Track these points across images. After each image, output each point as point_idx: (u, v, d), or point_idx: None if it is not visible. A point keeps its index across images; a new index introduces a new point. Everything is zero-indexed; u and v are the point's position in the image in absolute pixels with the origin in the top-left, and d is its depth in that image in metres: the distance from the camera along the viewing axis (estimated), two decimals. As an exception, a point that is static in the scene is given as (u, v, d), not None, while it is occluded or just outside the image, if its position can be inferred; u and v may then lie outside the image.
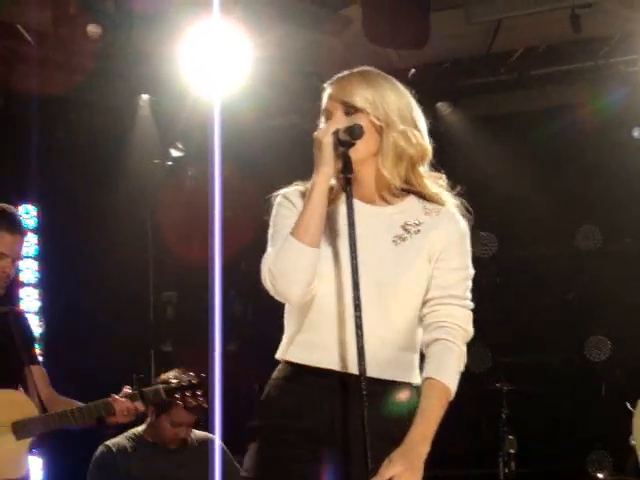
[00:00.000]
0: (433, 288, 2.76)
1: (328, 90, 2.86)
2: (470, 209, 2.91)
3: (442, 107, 7.87)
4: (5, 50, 6.64)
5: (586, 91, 7.45)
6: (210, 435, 5.12)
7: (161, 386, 4.48)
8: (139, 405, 4.32)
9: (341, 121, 2.75)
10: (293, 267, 2.64)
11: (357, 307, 2.58)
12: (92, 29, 5.86)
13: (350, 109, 2.80)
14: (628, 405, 5.34)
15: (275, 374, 2.80)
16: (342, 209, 2.73)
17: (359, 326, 2.56)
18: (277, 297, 2.71)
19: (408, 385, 2.78)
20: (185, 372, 4.63)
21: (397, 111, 2.84)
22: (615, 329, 7.45)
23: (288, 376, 2.76)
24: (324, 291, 2.72)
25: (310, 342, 2.73)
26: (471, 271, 2.83)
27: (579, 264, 7.79)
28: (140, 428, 5.13)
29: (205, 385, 4.54)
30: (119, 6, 5.92)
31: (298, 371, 2.74)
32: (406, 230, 2.78)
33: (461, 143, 7.87)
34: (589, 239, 7.72)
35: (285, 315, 2.83)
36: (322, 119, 2.84)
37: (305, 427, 2.71)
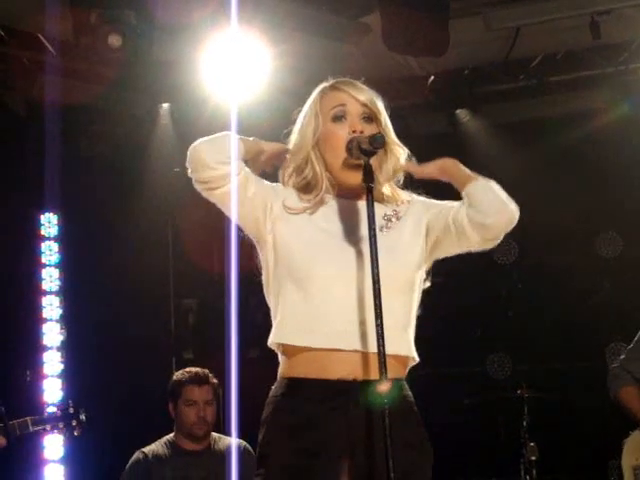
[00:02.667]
0: (447, 213, 2.88)
1: (341, 88, 2.87)
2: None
3: (461, 114, 7.88)
4: (27, 60, 6.70)
5: (606, 97, 7.44)
6: (239, 440, 5.15)
7: (29, 418, 4.54)
8: (1, 440, 4.37)
9: (363, 127, 2.77)
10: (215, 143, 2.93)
11: (377, 315, 2.57)
12: (113, 39, 5.90)
13: (368, 114, 2.82)
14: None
15: (279, 389, 2.79)
16: (334, 207, 2.82)
17: (380, 335, 2.56)
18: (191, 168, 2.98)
19: (405, 360, 2.81)
20: (63, 404, 4.71)
21: (391, 127, 2.90)
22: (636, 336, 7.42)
23: (297, 391, 2.74)
24: (330, 268, 2.72)
25: (311, 323, 2.72)
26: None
27: (599, 270, 7.77)
28: (172, 434, 5.18)
29: (79, 416, 4.62)
30: (140, 16, 5.96)
31: (307, 384, 2.72)
32: (388, 220, 2.83)
33: (480, 150, 7.87)
34: (610, 245, 7.70)
35: (275, 299, 2.84)
36: (330, 113, 2.84)
37: (321, 438, 2.69)
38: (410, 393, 2.82)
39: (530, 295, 7.99)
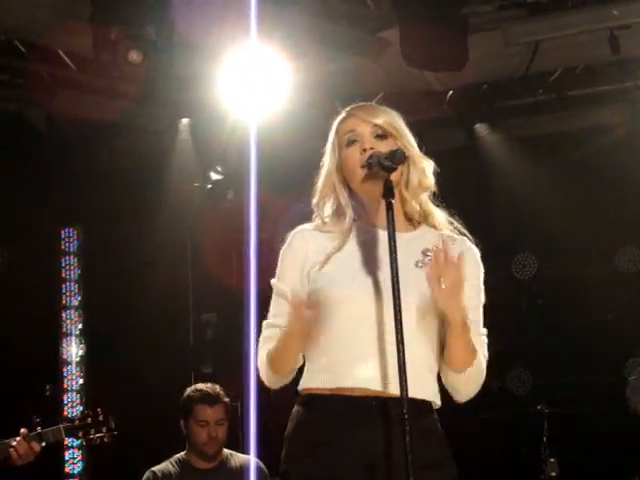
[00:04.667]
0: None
1: (352, 113, 2.88)
2: (473, 241, 2.91)
3: (480, 128, 7.87)
4: (47, 75, 6.74)
5: (625, 112, 7.42)
6: (252, 458, 5.13)
7: (62, 425, 4.56)
8: (35, 445, 4.41)
9: (375, 144, 2.78)
10: (271, 381, 2.86)
11: (398, 331, 2.56)
12: (133, 55, 5.92)
13: (381, 132, 2.82)
14: None
15: (300, 408, 2.80)
16: (367, 235, 2.81)
17: (401, 350, 2.55)
18: None
19: (431, 405, 2.80)
20: (92, 410, 4.70)
21: (414, 142, 2.87)
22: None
23: (317, 409, 2.75)
24: (355, 309, 2.72)
25: (337, 364, 2.72)
26: (483, 298, 2.87)
27: (619, 285, 7.74)
28: (183, 452, 5.17)
29: (109, 422, 4.64)
30: (160, 32, 5.98)
31: (326, 403, 2.73)
32: (426, 255, 2.78)
33: (500, 164, 7.86)
34: (629, 260, 7.68)
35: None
36: (344, 139, 2.84)
37: (341, 455, 2.69)
38: (434, 414, 2.81)
39: (549, 310, 7.96)
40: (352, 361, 2.71)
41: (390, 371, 2.67)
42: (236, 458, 5.18)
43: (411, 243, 2.81)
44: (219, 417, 5.06)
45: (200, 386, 5.17)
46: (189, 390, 5.17)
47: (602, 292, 7.70)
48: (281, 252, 2.90)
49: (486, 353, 2.84)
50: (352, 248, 2.82)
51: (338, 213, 2.89)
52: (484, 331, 2.85)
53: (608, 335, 7.56)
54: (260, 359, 2.84)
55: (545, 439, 6.35)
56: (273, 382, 2.84)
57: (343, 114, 2.92)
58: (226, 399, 5.13)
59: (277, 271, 2.89)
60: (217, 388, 5.15)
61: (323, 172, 2.92)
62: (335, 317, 2.72)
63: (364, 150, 2.78)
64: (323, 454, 2.69)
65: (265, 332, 2.86)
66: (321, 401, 2.73)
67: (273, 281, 2.87)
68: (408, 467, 2.47)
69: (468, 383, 2.79)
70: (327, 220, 2.90)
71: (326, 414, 2.71)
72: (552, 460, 6.28)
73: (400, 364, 2.54)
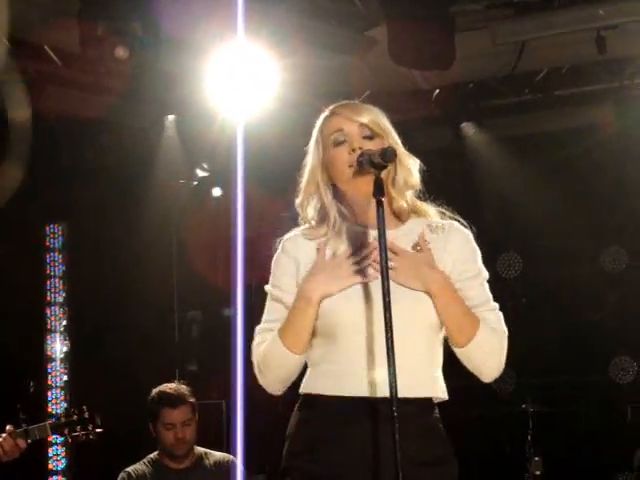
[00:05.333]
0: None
1: (337, 112, 2.86)
2: (465, 224, 2.91)
3: (466, 128, 7.89)
4: (33, 71, 6.71)
5: (611, 111, 7.44)
6: (228, 456, 5.12)
7: (48, 422, 4.56)
8: (21, 442, 4.41)
9: (364, 144, 2.77)
10: (278, 369, 2.77)
11: (388, 329, 2.56)
12: (120, 51, 5.91)
13: (369, 133, 2.81)
14: None
15: (302, 408, 2.78)
16: (356, 235, 2.79)
17: (390, 348, 2.54)
18: None
19: (432, 401, 2.79)
20: (77, 407, 4.69)
21: (399, 141, 2.87)
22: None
23: (318, 409, 2.74)
24: (351, 317, 2.71)
25: (338, 372, 2.71)
26: (486, 274, 2.87)
27: (605, 285, 7.76)
28: (156, 453, 5.15)
29: (95, 420, 4.63)
30: (146, 28, 5.97)
31: (326, 403, 2.72)
32: (417, 251, 2.79)
33: (485, 163, 7.88)
34: (615, 260, 7.70)
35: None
36: (330, 139, 2.82)
37: (343, 456, 2.68)
38: (435, 412, 2.81)
39: (534, 309, 7.98)
40: (352, 369, 2.70)
41: (379, 376, 2.65)
42: (211, 456, 5.15)
43: (400, 239, 2.80)
44: (185, 418, 5.01)
45: (164, 388, 5.08)
46: (154, 392, 5.08)
47: (587, 292, 7.73)
48: (274, 259, 2.88)
49: (504, 327, 2.83)
50: (343, 250, 2.79)
51: (322, 213, 2.87)
52: (495, 305, 2.85)
53: (593, 334, 7.58)
54: (258, 356, 2.79)
55: (530, 438, 6.37)
56: (279, 370, 2.76)
57: (327, 112, 2.90)
58: (191, 399, 5.04)
59: (271, 278, 2.86)
60: (182, 389, 5.07)
61: (307, 171, 2.89)
62: (334, 324, 2.71)
63: (353, 150, 2.77)
64: (323, 452, 2.69)
65: (260, 337, 2.82)
66: (322, 401, 2.73)
67: (268, 287, 2.85)
68: (398, 466, 2.47)
69: (478, 356, 2.76)
70: (312, 222, 2.88)
71: (327, 413, 2.71)
72: (537, 459, 6.30)
73: (390, 364, 2.53)
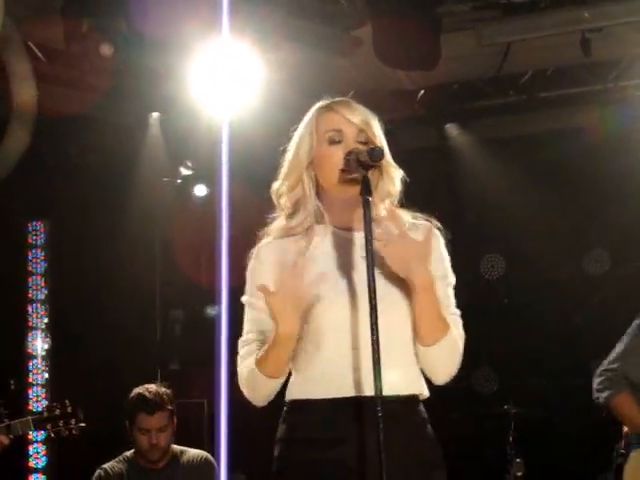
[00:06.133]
0: None
1: (335, 109, 2.83)
2: (441, 227, 2.89)
3: (451, 128, 7.90)
4: (17, 67, 6.67)
5: (595, 114, 7.46)
6: (203, 453, 5.10)
7: (30, 417, 4.54)
8: (3, 438, 4.41)
9: (357, 148, 2.75)
10: (262, 392, 2.76)
11: (374, 330, 2.54)
12: (104, 48, 5.89)
13: (364, 139, 2.79)
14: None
15: (291, 413, 2.76)
16: (335, 237, 2.78)
17: (376, 350, 2.53)
18: None
19: (418, 397, 2.79)
20: (60, 402, 4.66)
21: (387, 149, 2.84)
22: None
23: (309, 412, 2.71)
24: (337, 319, 2.69)
25: (326, 374, 2.69)
26: (452, 279, 2.86)
27: (588, 287, 7.78)
28: (132, 450, 5.12)
29: (77, 414, 4.61)
30: (131, 26, 5.94)
31: (317, 406, 2.70)
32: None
33: (469, 165, 7.89)
34: (598, 263, 7.72)
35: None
36: (327, 136, 2.79)
37: (335, 457, 2.67)
38: (423, 411, 2.80)
39: (517, 310, 8.00)
40: (340, 370, 2.68)
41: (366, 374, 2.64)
42: (187, 454, 5.12)
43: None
44: (161, 425, 4.93)
45: (144, 391, 4.98)
46: (133, 393, 4.99)
47: (570, 294, 7.75)
48: (250, 269, 2.84)
49: (462, 332, 2.84)
50: (322, 252, 2.77)
51: (296, 207, 2.84)
52: (457, 311, 2.85)
53: (576, 336, 7.60)
54: (242, 375, 2.77)
55: (511, 439, 6.37)
56: (263, 392, 2.75)
57: (322, 105, 2.86)
58: (169, 406, 4.96)
59: (248, 288, 2.82)
60: (161, 393, 4.98)
61: (291, 159, 2.85)
62: (319, 328, 2.70)
63: (349, 153, 2.76)
64: (316, 453, 2.67)
65: (243, 350, 2.79)
66: (312, 405, 2.70)
67: (245, 298, 2.83)
68: (382, 468, 2.46)
69: (439, 358, 2.74)
70: (287, 214, 2.83)
71: (318, 413, 2.69)
72: (518, 460, 6.30)
73: (375, 367, 2.52)
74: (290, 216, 2.85)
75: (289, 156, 2.86)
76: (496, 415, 6.66)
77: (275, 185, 2.88)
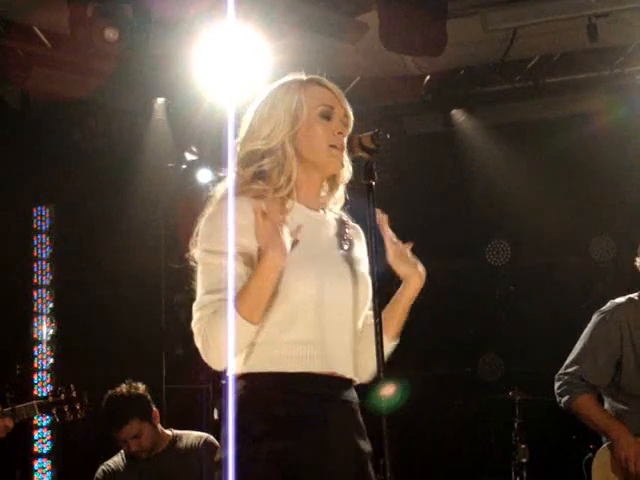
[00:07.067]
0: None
1: (328, 87, 2.80)
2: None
3: (457, 114, 7.87)
4: (22, 52, 6.67)
5: (602, 100, 7.44)
6: (203, 435, 5.10)
7: (35, 401, 4.53)
8: (8, 422, 4.38)
9: (342, 130, 2.74)
10: (230, 341, 2.54)
11: (376, 314, 2.56)
12: (109, 33, 5.87)
13: (346, 122, 2.79)
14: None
15: (267, 385, 2.62)
16: (301, 214, 2.73)
17: (379, 333, 2.53)
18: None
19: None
20: (65, 386, 4.65)
21: None
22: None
23: (288, 388, 2.62)
24: (310, 291, 2.64)
25: (297, 349, 2.63)
26: None
27: (593, 273, 7.76)
28: None
29: (82, 399, 4.60)
30: (136, 10, 5.93)
31: (293, 380, 2.62)
32: (343, 238, 2.80)
33: (475, 151, 7.87)
34: (603, 249, 7.70)
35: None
36: (318, 109, 2.74)
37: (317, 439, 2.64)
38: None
39: (522, 297, 7.98)
40: (312, 345, 2.64)
41: (335, 352, 2.67)
42: (188, 438, 5.11)
43: (331, 224, 2.81)
44: (134, 433, 4.89)
45: (110, 404, 4.91)
46: (104, 403, 4.94)
47: (576, 281, 7.73)
48: (214, 219, 2.69)
49: None
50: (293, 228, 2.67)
51: (262, 171, 2.73)
52: None
53: (581, 323, 7.58)
54: (206, 331, 2.57)
55: (516, 425, 6.36)
56: (226, 341, 2.52)
57: (312, 79, 2.82)
58: (138, 411, 4.88)
59: (211, 241, 2.67)
60: (128, 400, 4.91)
61: (272, 121, 2.73)
62: (294, 299, 2.63)
63: (339, 133, 2.74)
64: (301, 431, 2.60)
65: (207, 309, 2.59)
66: (294, 380, 2.63)
67: (205, 253, 2.69)
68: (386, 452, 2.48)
69: (388, 354, 2.74)
70: (255, 174, 2.72)
71: (293, 391, 2.62)
72: (523, 446, 6.29)
73: (378, 352, 2.52)
74: (259, 177, 2.73)
75: (270, 116, 2.75)
76: (501, 401, 6.66)
77: (250, 139, 2.75)
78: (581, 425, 4.97)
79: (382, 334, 2.53)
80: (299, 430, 2.59)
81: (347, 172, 2.82)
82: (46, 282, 7.40)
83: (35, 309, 7.37)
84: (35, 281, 7.39)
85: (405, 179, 7.25)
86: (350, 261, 2.73)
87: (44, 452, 7.17)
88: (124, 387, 5.00)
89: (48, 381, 7.26)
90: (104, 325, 7.19)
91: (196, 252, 2.76)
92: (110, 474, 5.04)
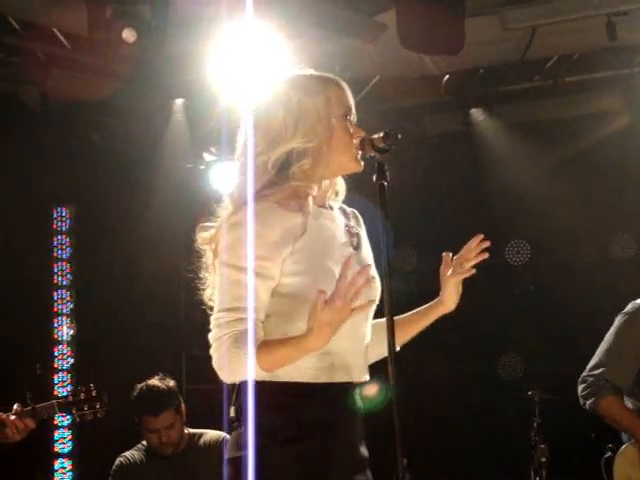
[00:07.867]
0: None
1: (345, 88, 2.80)
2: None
3: (476, 113, 7.86)
4: (41, 54, 6.69)
5: (621, 99, 7.41)
6: (221, 434, 5.10)
7: (55, 401, 4.55)
8: (29, 422, 4.39)
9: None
10: (241, 376, 2.62)
11: (390, 311, 2.56)
12: (127, 34, 5.88)
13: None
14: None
15: (292, 392, 2.63)
16: (318, 214, 2.72)
17: (391, 330, 2.53)
18: None
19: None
20: (85, 385, 4.67)
21: None
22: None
23: (312, 395, 2.65)
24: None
25: (324, 359, 2.63)
26: None
27: (613, 273, 7.73)
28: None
29: (102, 398, 4.61)
30: (154, 11, 5.94)
31: (316, 389, 2.64)
32: (350, 233, 2.80)
33: (494, 150, 7.85)
34: (623, 248, 7.68)
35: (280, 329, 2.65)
36: (344, 111, 2.73)
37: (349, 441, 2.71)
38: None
39: (542, 296, 7.96)
40: (339, 355, 2.67)
41: (355, 360, 2.72)
42: (205, 437, 5.12)
43: (340, 221, 2.81)
44: (168, 423, 4.95)
45: (146, 392, 4.98)
46: (136, 393, 5.00)
47: (596, 279, 7.70)
48: (250, 232, 2.58)
49: None
50: (317, 230, 2.68)
51: (281, 172, 2.68)
52: None
53: (601, 322, 7.54)
54: (223, 360, 2.62)
55: (536, 425, 6.35)
56: (243, 375, 2.59)
57: (332, 80, 2.80)
58: (174, 401, 4.97)
59: (239, 256, 2.59)
60: (164, 389, 4.98)
61: (315, 120, 2.68)
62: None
63: (358, 135, 2.74)
64: (324, 438, 2.64)
65: (225, 328, 2.63)
66: (318, 390, 2.65)
67: (231, 268, 2.64)
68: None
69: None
70: (274, 179, 2.67)
71: (327, 400, 2.66)
72: (542, 446, 6.28)
73: (391, 355, 2.52)
74: (272, 184, 2.68)
75: (305, 115, 2.69)
76: (521, 400, 6.64)
77: (283, 139, 2.67)
78: (600, 424, 4.96)
79: (394, 331, 2.52)
80: (323, 434, 2.63)
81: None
82: (66, 283, 7.43)
83: (55, 309, 7.39)
84: (55, 281, 7.42)
85: (424, 179, 7.25)
86: (361, 264, 2.71)
87: (65, 452, 7.20)
88: (157, 379, 5.03)
89: (68, 381, 7.28)
90: (123, 325, 7.21)
91: (216, 259, 2.75)
92: (128, 466, 5.05)
